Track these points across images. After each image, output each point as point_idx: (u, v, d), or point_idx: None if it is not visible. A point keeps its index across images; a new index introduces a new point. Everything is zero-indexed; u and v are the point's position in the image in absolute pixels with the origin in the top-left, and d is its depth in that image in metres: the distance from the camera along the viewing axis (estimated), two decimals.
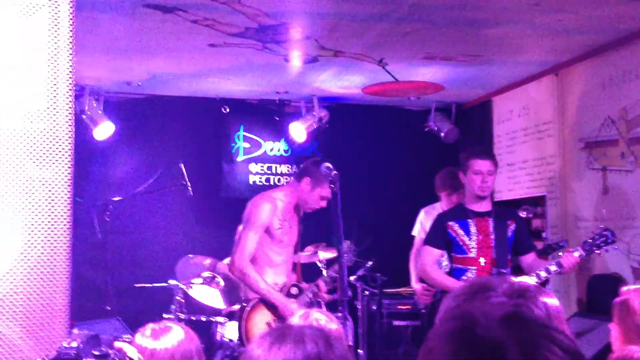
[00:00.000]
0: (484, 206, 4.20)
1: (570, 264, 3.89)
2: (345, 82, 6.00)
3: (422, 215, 5.62)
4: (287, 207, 4.34)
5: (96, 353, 1.44)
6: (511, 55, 5.20)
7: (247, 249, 4.19)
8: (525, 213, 5.74)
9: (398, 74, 5.61)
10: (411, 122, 6.83)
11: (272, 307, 4.19)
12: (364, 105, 6.79)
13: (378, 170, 6.78)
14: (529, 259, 4.20)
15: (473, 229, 4.14)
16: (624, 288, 2.62)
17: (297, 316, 2.44)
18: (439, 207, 5.52)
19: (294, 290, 4.37)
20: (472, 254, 4.10)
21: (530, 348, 0.84)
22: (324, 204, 4.25)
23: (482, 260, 4.09)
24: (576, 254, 3.90)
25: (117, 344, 1.50)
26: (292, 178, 4.72)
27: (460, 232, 4.16)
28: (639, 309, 2.45)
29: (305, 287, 4.46)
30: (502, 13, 4.22)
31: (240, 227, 5.12)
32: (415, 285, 5.48)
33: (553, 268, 3.93)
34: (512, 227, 4.20)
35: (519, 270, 4.15)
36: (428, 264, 4.20)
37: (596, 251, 3.97)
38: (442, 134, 6.64)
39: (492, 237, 4.12)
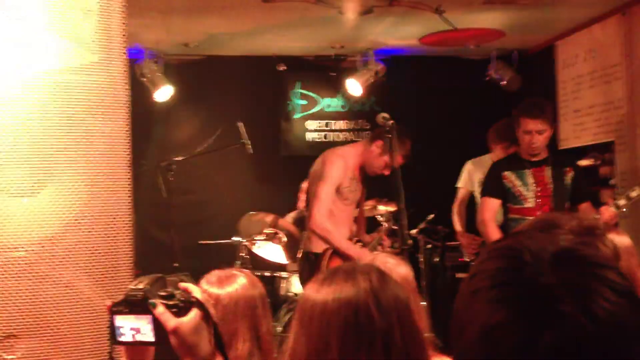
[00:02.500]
0: (541, 154, 4.09)
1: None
2: (401, 33, 5.88)
3: (469, 166, 5.54)
4: (356, 166, 4.34)
5: (162, 293, 1.47)
6: None
7: (324, 204, 4.22)
8: (592, 160, 5.56)
9: (456, 21, 5.44)
10: (471, 71, 6.65)
11: (345, 257, 4.23)
12: (421, 57, 6.65)
13: (438, 123, 6.66)
14: (583, 208, 4.08)
15: (530, 179, 4.04)
16: None
17: (364, 260, 2.44)
18: (487, 159, 5.42)
19: (358, 245, 4.39)
20: (530, 204, 4.01)
21: (583, 295, 0.78)
22: (387, 172, 4.21)
23: (539, 211, 3.99)
24: (621, 202, 3.80)
25: (182, 284, 1.53)
26: (365, 139, 4.69)
27: (517, 182, 4.06)
28: None
29: (368, 240, 4.47)
30: None
31: (304, 184, 5.15)
32: (461, 237, 5.44)
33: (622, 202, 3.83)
34: (570, 174, 4.08)
35: None
36: (488, 218, 4.11)
37: None
38: (504, 83, 6.45)
39: (550, 186, 4.02)
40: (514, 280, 0.81)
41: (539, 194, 4.01)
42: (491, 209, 4.12)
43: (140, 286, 1.45)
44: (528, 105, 4.17)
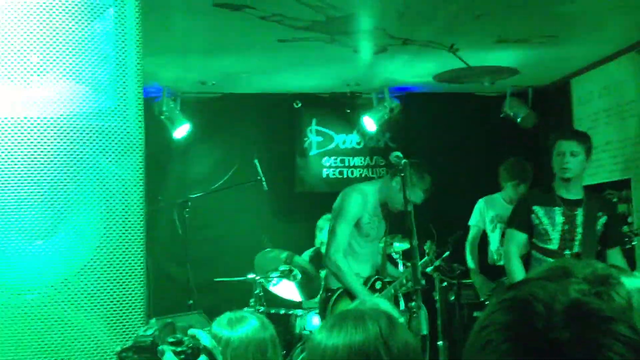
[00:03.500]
0: (574, 193, 3.85)
1: None
2: (415, 70, 5.92)
3: (481, 204, 5.53)
4: (377, 202, 4.32)
5: (171, 340, 1.48)
6: (589, 34, 4.99)
7: (340, 241, 4.21)
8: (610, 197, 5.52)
9: (470, 59, 5.48)
10: (486, 108, 6.67)
11: (355, 298, 4.20)
12: (435, 94, 6.68)
13: (453, 160, 6.65)
14: (612, 254, 3.87)
15: (559, 218, 3.80)
16: None
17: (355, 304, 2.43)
18: (499, 198, 5.41)
19: (378, 285, 4.35)
20: (553, 245, 3.80)
21: (593, 350, 0.78)
22: (409, 207, 4.19)
23: (565, 252, 3.75)
24: None
25: (191, 331, 1.54)
26: (387, 174, 4.69)
27: (545, 219, 3.84)
28: None
29: (390, 281, 4.42)
30: None
31: (321, 222, 5.15)
32: (474, 277, 5.38)
33: None
34: (604, 219, 3.84)
35: None
36: (512, 252, 3.88)
37: None
38: (519, 119, 6.46)
39: (579, 229, 3.78)
40: (525, 335, 0.81)
41: (565, 235, 3.79)
42: (516, 242, 3.91)
43: (150, 332, 1.47)
44: (562, 129, 4.06)
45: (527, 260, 3.97)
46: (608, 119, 5.74)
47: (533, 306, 0.82)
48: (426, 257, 4.63)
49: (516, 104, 6.50)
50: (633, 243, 3.80)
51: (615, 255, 3.88)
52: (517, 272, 3.85)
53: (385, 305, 2.44)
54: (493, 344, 0.82)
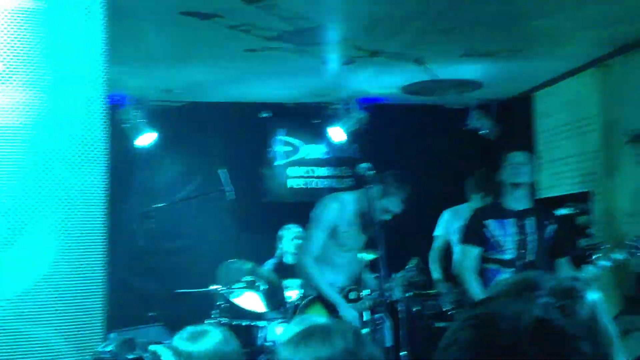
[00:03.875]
0: (523, 203, 4.00)
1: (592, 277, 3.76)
2: (383, 82, 5.96)
3: (447, 215, 5.59)
4: (356, 211, 4.29)
5: (131, 357, 1.45)
6: (552, 49, 5.09)
7: (311, 247, 4.19)
8: (569, 210, 5.62)
9: (436, 72, 5.54)
10: (451, 120, 6.74)
11: (328, 305, 4.17)
12: (402, 105, 6.73)
13: (418, 171, 6.69)
14: (563, 263, 4.00)
15: (511, 229, 3.94)
16: None
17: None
18: (465, 208, 5.47)
19: (352, 295, 4.33)
20: (509, 255, 3.91)
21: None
22: (387, 216, 4.19)
23: (519, 262, 3.89)
24: (607, 264, 3.75)
25: (151, 347, 1.51)
26: (366, 184, 4.67)
27: (497, 231, 3.96)
28: None
29: (365, 293, 4.38)
30: (543, 4, 4.13)
31: (281, 232, 5.13)
32: (439, 286, 5.44)
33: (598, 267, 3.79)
34: (551, 228, 3.99)
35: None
36: (466, 267, 3.99)
37: (635, 254, 3.80)
38: (483, 132, 6.54)
39: (531, 237, 3.92)
40: (490, 353, 0.81)
41: (519, 245, 3.93)
42: (471, 258, 4.02)
43: (109, 347, 1.44)
44: (512, 144, 4.23)
45: (481, 274, 4.02)
46: (569, 132, 5.85)
47: (497, 324, 0.82)
48: (405, 272, 4.61)
49: (480, 117, 6.58)
50: (593, 257, 3.87)
51: (564, 266, 3.97)
52: (475, 287, 3.94)
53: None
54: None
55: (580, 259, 4.06)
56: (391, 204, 4.06)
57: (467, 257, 4.04)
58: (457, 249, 5.54)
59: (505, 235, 3.95)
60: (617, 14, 4.28)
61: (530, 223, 3.96)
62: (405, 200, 4.18)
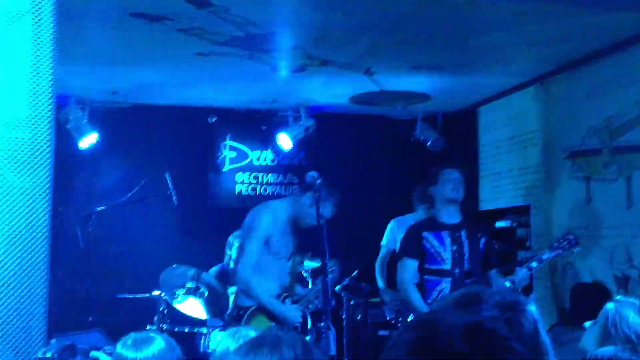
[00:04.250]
0: (455, 217, 4.23)
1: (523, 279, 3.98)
2: (332, 91, 6.00)
3: (393, 225, 5.68)
4: (287, 219, 4.31)
5: None
6: (497, 65, 5.23)
7: (249, 258, 4.17)
8: (509, 222, 5.77)
9: (385, 83, 5.62)
10: (398, 131, 6.84)
11: (269, 314, 4.17)
12: (351, 115, 6.79)
13: (365, 180, 6.77)
14: (492, 274, 4.25)
15: (447, 240, 4.17)
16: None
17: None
18: (411, 219, 5.57)
19: (288, 302, 4.34)
20: (447, 265, 4.13)
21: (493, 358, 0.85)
22: (322, 221, 4.22)
23: (456, 271, 4.11)
24: (534, 265, 3.98)
25: (92, 353, 1.48)
26: (296, 191, 4.71)
27: (435, 243, 4.18)
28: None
29: (299, 299, 4.41)
30: (488, 23, 4.24)
31: (232, 238, 5.10)
32: (384, 294, 5.54)
33: (508, 284, 3.98)
34: (483, 239, 4.24)
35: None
36: (407, 280, 4.19)
37: (561, 254, 4.06)
38: (429, 144, 6.65)
39: (466, 248, 4.15)
40: (428, 350, 0.87)
41: (455, 255, 4.14)
42: (410, 270, 4.21)
43: (49, 354, 1.41)
44: (445, 162, 4.42)
45: (422, 285, 4.18)
46: (511, 147, 6.02)
47: (436, 326, 0.89)
48: (332, 275, 4.69)
49: (426, 129, 6.70)
50: (523, 260, 4.08)
51: (495, 277, 4.21)
52: (415, 298, 4.13)
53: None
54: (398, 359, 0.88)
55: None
56: (324, 210, 4.12)
57: (406, 269, 4.23)
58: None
59: (442, 247, 4.16)
60: (558, 34, 4.43)
61: (463, 235, 4.19)
62: (336, 205, 4.21)
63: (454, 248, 4.14)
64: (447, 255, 4.14)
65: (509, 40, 4.58)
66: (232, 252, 5.61)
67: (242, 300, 4.29)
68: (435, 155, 6.70)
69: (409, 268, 4.20)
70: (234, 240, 5.58)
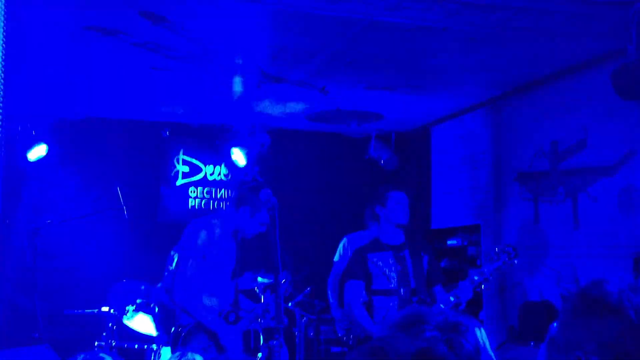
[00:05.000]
0: (399, 238, 4.31)
1: (467, 292, 4.05)
2: (287, 108, 6.03)
3: (345, 242, 5.72)
4: (225, 233, 4.28)
5: None
6: (449, 87, 5.34)
7: (186, 276, 4.11)
8: (460, 240, 5.87)
9: (340, 101, 5.67)
10: (352, 149, 6.90)
11: (208, 332, 4.12)
12: (305, 132, 6.83)
13: (319, 197, 6.80)
14: (437, 289, 4.33)
15: (392, 261, 4.24)
16: None
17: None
18: (364, 235, 5.64)
19: (232, 317, 4.31)
20: (393, 284, 4.20)
21: None
22: (263, 229, 4.22)
23: (402, 290, 4.18)
24: (475, 278, 4.07)
25: None
26: (229, 203, 4.66)
27: (380, 263, 4.25)
28: None
29: (244, 314, 4.41)
30: (440, 46, 4.34)
31: (173, 252, 5.04)
32: (335, 312, 5.57)
33: (452, 299, 4.06)
34: (426, 258, 4.33)
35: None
36: (354, 301, 4.23)
37: (501, 266, 4.14)
38: (382, 162, 6.72)
39: (410, 268, 4.23)
40: None
41: (401, 275, 4.21)
42: (356, 292, 4.25)
43: None
44: (392, 183, 4.47)
45: (369, 305, 4.23)
46: (462, 166, 6.14)
47: (386, 353, 0.94)
48: (285, 288, 4.70)
49: (380, 147, 6.76)
50: (482, 287, 4.13)
51: (439, 293, 4.32)
52: (363, 318, 4.17)
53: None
54: None
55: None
56: (261, 217, 4.11)
57: (352, 291, 4.26)
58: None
59: (388, 267, 4.23)
60: (508, 59, 4.56)
61: (406, 255, 4.27)
62: (270, 209, 4.13)
63: (399, 268, 4.22)
64: (392, 274, 4.22)
65: (460, 63, 4.69)
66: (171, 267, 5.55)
67: (181, 318, 4.23)
68: (388, 173, 6.78)
69: (355, 290, 4.25)
70: (174, 254, 5.52)
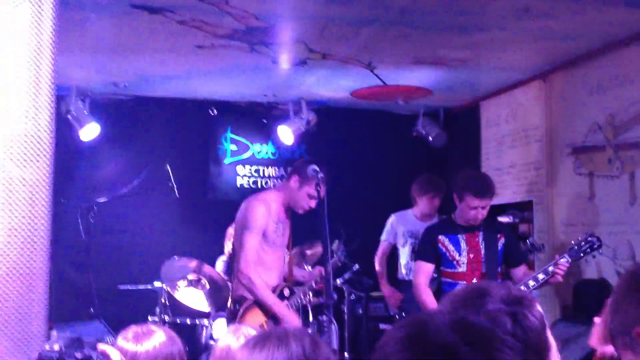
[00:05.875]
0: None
1: (561, 272, 3.93)
2: (333, 85, 5.99)
3: (393, 220, 5.68)
4: (280, 208, 4.33)
5: (79, 356, 1.41)
6: (499, 60, 5.21)
7: (249, 254, 4.17)
8: (512, 217, 5.76)
9: (386, 77, 5.60)
10: (399, 126, 6.82)
11: (266, 310, 4.16)
12: (351, 109, 6.78)
13: (365, 174, 6.77)
14: (519, 271, 4.25)
15: (463, 244, 4.17)
16: None
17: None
18: (410, 213, 5.59)
19: (287, 292, 4.34)
20: (462, 268, 4.14)
21: (483, 348, 0.92)
22: (312, 203, 4.22)
23: (472, 274, 4.12)
24: (563, 261, 3.93)
25: (100, 346, 1.48)
26: (284, 180, 4.71)
27: (451, 247, 4.19)
28: None
29: (298, 288, 4.43)
30: (490, 18, 4.22)
31: (231, 230, 5.09)
32: (384, 288, 5.55)
33: (541, 277, 3.96)
34: (502, 240, 4.23)
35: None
36: (422, 282, 4.19)
37: (582, 257, 4.02)
38: (430, 139, 6.64)
39: (482, 251, 4.15)
40: (421, 343, 0.93)
41: (472, 259, 4.14)
42: (425, 273, 4.21)
43: (56, 347, 1.40)
44: (475, 183, 4.21)
45: (438, 289, 4.20)
46: (513, 142, 6.00)
47: (425, 322, 0.95)
48: (334, 257, 4.72)
49: (428, 124, 6.68)
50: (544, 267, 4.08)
51: (521, 272, 4.24)
52: (428, 301, 4.14)
53: None
54: (393, 355, 0.93)
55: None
56: (311, 189, 4.11)
57: (420, 273, 4.24)
58: (402, 253, 5.65)
59: (459, 250, 4.17)
60: (561, 30, 4.42)
61: (480, 239, 4.19)
62: (319, 184, 4.09)
63: (470, 252, 4.14)
64: (463, 259, 4.15)
65: (511, 36, 4.56)
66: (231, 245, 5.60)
67: (239, 294, 4.29)
68: (437, 150, 6.70)
69: (423, 271, 4.21)
70: (234, 232, 5.57)
